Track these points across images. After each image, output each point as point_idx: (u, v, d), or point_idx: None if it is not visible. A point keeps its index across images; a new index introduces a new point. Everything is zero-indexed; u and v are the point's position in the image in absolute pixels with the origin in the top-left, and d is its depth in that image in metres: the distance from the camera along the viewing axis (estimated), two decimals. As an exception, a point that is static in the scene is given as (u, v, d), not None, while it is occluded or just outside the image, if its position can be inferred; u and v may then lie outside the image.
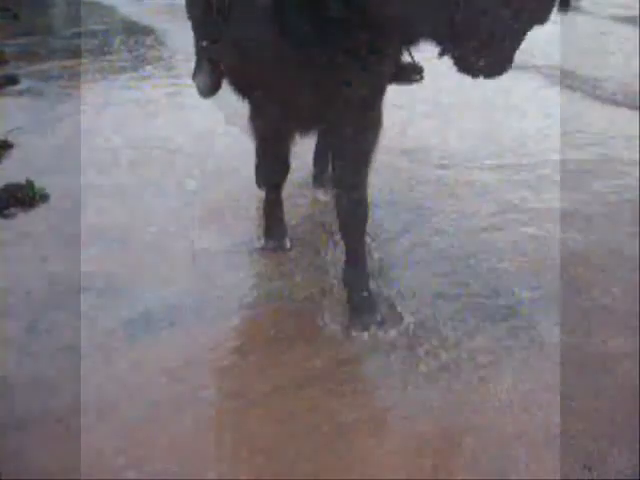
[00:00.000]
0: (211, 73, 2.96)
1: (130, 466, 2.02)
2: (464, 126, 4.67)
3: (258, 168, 3.25)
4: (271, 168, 3.10)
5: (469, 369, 2.41)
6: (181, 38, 6.32)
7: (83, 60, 6.50)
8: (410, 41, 2.32)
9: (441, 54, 2.02)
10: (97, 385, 2.34)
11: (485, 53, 1.93)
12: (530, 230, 3.32)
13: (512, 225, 3.36)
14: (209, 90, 3.03)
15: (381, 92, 2.58)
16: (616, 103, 5.24)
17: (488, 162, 4.10)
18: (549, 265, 3.02)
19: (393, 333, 2.59)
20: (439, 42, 2.01)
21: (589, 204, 3.57)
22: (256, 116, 2.81)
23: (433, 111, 4.87)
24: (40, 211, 3.46)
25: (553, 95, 5.40)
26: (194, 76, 3.10)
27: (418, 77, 2.82)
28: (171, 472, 2.01)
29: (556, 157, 4.17)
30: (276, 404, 2.26)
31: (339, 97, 2.45)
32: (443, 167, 4.03)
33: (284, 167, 3.01)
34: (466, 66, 2.00)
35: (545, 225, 3.36)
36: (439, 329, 2.61)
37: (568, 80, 5.69)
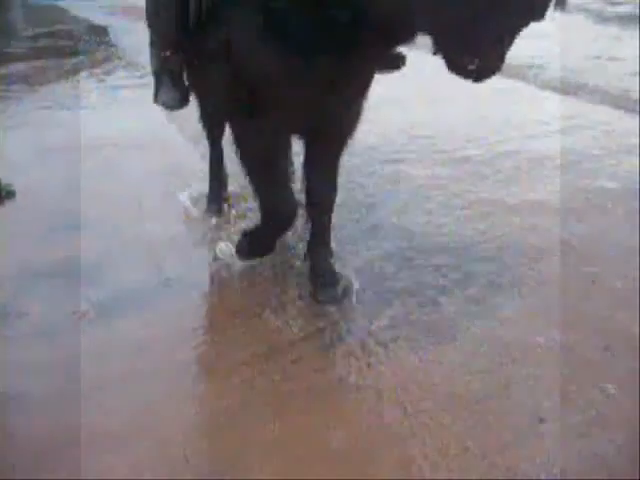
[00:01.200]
0: (177, 86, 2.82)
1: (103, 439, 2.10)
2: (418, 118, 4.76)
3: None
4: (279, 196, 2.64)
5: (425, 338, 2.53)
6: (134, 36, 6.46)
7: (43, 62, 6.54)
8: (407, 37, 2.20)
9: (435, 52, 1.96)
10: (70, 364, 2.43)
11: (478, 51, 1.87)
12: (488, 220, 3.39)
13: (463, 217, 3.43)
14: (179, 104, 2.87)
15: (370, 82, 2.55)
16: (565, 92, 5.35)
17: (439, 156, 4.15)
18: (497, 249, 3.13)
19: (354, 305, 2.74)
20: (434, 38, 1.95)
21: (545, 195, 3.62)
22: (256, 128, 2.50)
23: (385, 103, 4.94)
24: (8, 207, 3.56)
25: (513, 87, 5.45)
26: (157, 97, 2.90)
27: (400, 64, 2.76)
28: (138, 442, 2.09)
29: (514, 148, 4.25)
30: (244, 375, 2.36)
31: (334, 92, 2.38)
32: (395, 161, 4.10)
33: (293, 197, 2.68)
34: (457, 66, 1.93)
35: (505, 214, 3.43)
36: (394, 303, 2.74)
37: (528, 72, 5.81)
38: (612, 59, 6.18)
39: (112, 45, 7.56)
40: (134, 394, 2.29)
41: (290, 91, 2.32)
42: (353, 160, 3.71)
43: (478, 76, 1.94)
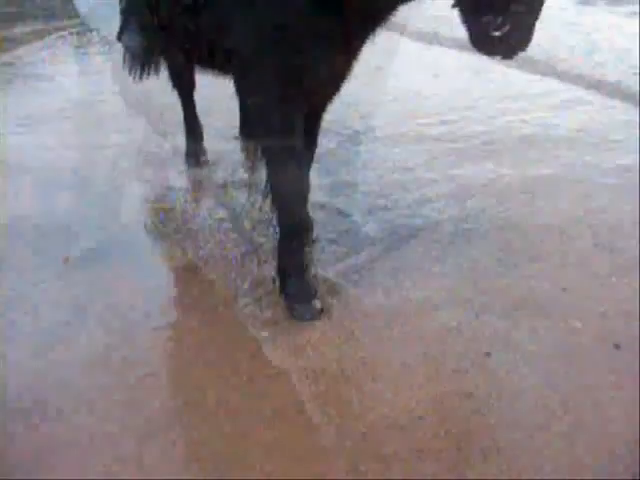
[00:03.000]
0: (144, 31, 2.73)
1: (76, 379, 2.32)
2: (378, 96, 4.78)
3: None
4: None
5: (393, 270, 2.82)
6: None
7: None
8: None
9: (454, 5, 1.84)
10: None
11: (502, 6, 1.67)
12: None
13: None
14: (141, 49, 2.81)
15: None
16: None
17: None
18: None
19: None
20: None
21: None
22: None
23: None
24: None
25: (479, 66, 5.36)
26: (121, 36, 2.85)
27: None
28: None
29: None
30: (222, 315, 2.62)
31: (341, 56, 2.38)
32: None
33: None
34: (480, 30, 1.76)
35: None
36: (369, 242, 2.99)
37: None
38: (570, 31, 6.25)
39: (74, 10, 7.61)
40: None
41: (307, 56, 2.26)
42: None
43: (504, 48, 1.77)
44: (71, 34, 6.53)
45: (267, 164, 2.51)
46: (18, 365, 2.39)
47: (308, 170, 2.80)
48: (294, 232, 2.57)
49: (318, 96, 2.54)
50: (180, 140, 3.78)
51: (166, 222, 3.22)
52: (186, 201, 3.41)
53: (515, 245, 2.97)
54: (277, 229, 2.64)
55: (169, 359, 2.44)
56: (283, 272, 2.61)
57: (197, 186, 3.55)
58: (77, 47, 6.13)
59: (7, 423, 2.15)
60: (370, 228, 3.12)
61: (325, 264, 2.86)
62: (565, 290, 2.67)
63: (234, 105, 2.97)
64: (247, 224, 3.16)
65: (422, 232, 3.09)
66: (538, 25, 1.82)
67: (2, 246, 3.02)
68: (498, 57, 1.86)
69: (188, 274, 2.87)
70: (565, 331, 2.46)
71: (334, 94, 2.59)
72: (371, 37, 2.35)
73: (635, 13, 6.58)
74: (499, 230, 3.08)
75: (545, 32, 5.51)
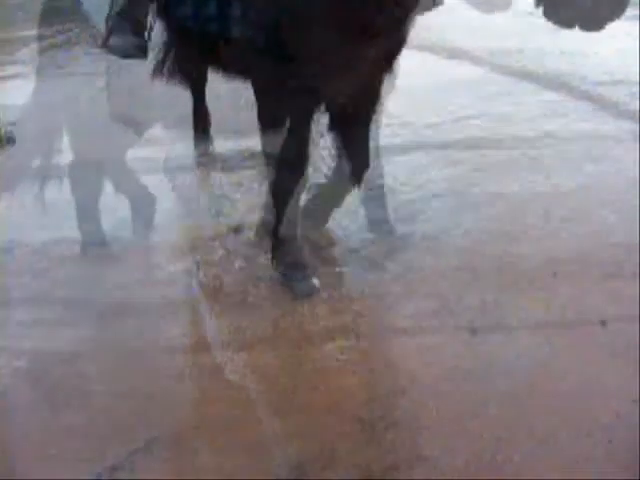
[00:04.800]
0: (137, 33, 2.65)
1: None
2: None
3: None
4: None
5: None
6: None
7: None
8: None
9: None
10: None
11: None
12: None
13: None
14: (135, 51, 2.71)
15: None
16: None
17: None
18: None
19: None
20: None
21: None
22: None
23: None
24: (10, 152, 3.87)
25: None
26: (107, 40, 2.73)
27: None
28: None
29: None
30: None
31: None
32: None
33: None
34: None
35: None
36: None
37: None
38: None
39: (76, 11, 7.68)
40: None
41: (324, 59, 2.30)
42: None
43: (584, 11, 1.45)
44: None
45: (268, 161, 2.71)
46: (19, 361, 2.42)
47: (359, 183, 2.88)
48: (287, 220, 2.75)
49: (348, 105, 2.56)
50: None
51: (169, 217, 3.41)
52: (188, 195, 3.57)
53: (516, 248, 3.07)
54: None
55: (171, 357, 2.52)
56: (279, 254, 2.79)
57: (201, 179, 3.71)
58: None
59: (8, 421, 2.18)
60: (370, 234, 3.23)
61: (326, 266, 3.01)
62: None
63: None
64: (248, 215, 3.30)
65: (423, 241, 3.18)
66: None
67: (2, 245, 3.14)
68: (575, 25, 1.52)
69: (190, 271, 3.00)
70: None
71: (371, 103, 2.65)
72: (396, 47, 2.42)
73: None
74: (498, 235, 3.18)
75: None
